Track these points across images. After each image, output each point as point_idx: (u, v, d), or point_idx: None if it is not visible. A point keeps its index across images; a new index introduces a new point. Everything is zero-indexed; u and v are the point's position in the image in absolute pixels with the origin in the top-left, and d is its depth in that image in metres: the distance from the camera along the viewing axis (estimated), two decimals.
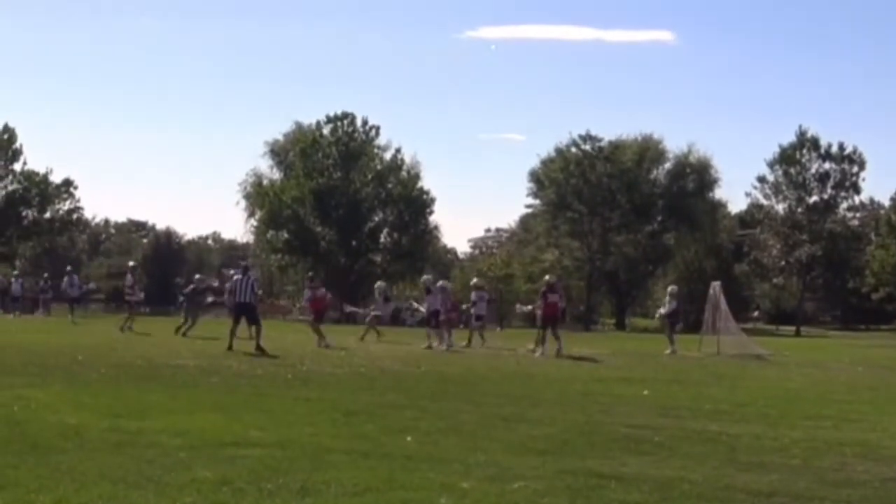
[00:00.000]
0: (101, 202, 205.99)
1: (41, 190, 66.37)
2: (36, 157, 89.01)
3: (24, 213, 66.75)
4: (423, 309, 24.73)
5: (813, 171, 69.30)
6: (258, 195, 64.52)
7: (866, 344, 38.30)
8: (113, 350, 18.46)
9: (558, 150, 69.57)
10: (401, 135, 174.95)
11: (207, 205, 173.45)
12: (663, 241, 70.55)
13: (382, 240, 66.03)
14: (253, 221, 66.45)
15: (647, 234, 69.68)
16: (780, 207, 71.03)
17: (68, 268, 37.39)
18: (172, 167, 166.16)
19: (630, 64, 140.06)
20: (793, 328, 65.73)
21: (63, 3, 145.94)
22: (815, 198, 69.66)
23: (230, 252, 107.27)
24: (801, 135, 69.30)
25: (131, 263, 33.28)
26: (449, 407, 11.34)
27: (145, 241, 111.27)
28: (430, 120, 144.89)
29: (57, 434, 8.39)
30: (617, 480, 7.08)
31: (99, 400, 10.89)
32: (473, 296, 26.67)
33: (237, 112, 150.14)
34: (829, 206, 69.70)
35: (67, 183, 67.82)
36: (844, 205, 71.36)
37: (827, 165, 69.21)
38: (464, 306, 27.32)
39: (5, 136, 65.65)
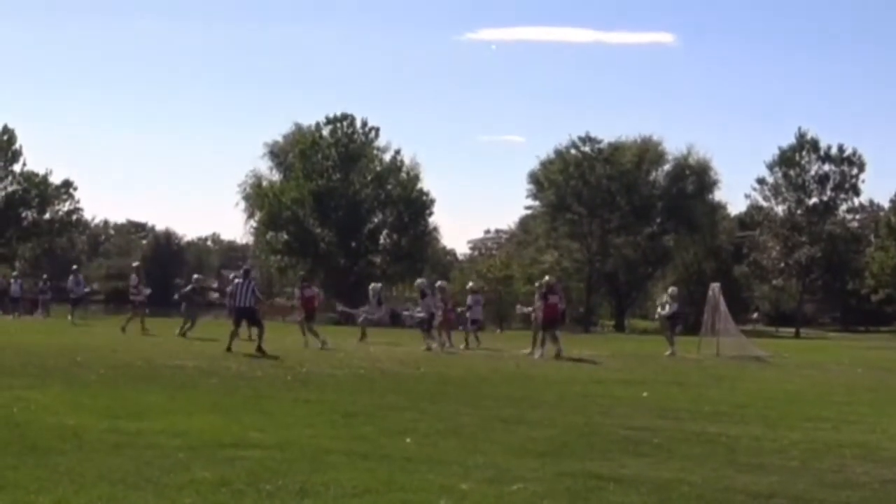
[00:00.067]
0: (100, 203, 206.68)
1: (41, 191, 66.43)
2: (36, 159, 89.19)
3: (23, 214, 66.81)
4: (417, 315, 24.52)
5: (812, 172, 69.29)
6: (258, 196, 64.52)
7: (865, 346, 38.27)
8: (112, 351, 18.44)
9: (558, 152, 69.58)
10: (400, 136, 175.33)
11: (207, 206, 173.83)
12: (663, 242, 70.52)
13: (382, 241, 66.01)
14: (252, 223, 66.55)
15: (646, 236, 69.65)
16: (780, 209, 71.06)
17: (74, 267, 37.55)
18: (172, 168, 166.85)
19: (630, 66, 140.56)
20: (792, 330, 65.73)
21: (63, 5, 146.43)
22: (814, 200, 69.66)
23: (229, 253, 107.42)
24: (801, 137, 69.33)
25: (136, 264, 33.29)
26: (448, 409, 11.34)
27: (145, 242, 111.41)
28: (430, 121, 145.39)
29: (56, 435, 8.38)
30: (616, 482, 7.09)
31: (98, 401, 10.88)
32: (469, 300, 26.68)
33: (237, 113, 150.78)
34: (828, 208, 69.70)
35: (67, 184, 67.92)
36: (844, 206, 71.45)
37: (826, 167, 69.23)
38: (458, 309, 27.34)
39: (5, 137, 65.69)
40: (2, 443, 7.97)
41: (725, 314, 25.20)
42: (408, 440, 8.82)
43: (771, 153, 71.08)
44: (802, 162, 69.38)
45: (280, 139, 67.10)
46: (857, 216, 75.94)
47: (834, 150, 68.97)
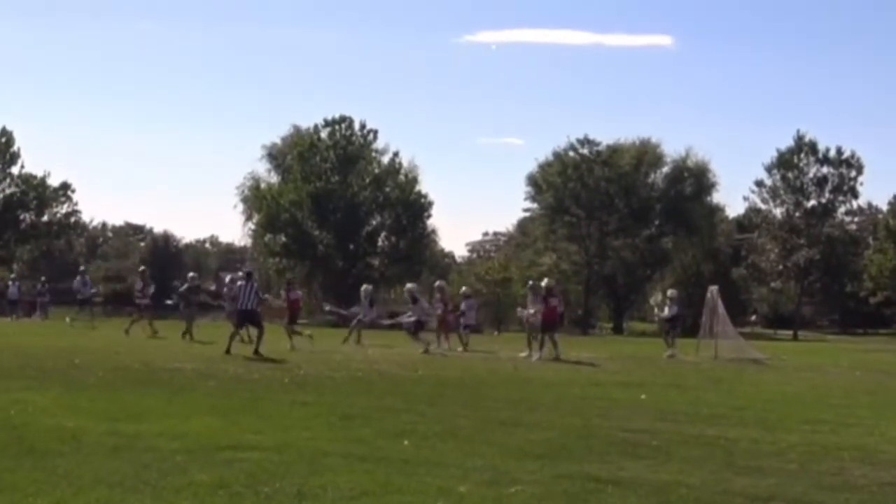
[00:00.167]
0: (98, 205, 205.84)
1: (39, 193, 66.34)
2: (34, 161, 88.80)
3: (21, 217, 66.72)
4: (408, 320, 24.42)
5: (811, 175, 69.28)
6: (256, 199, 64.47)
7: (864, 348, 38.27)
8: (112, 354, 18.43)
9: (556, 155, 69.53)
10: (399, 139, 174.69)
11: (205, 208, 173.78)
12: (661, 245, 70.50)
13: (380, 243, 65.93)
14: (251, 225, 66.43)
15: (644, 238, 69.62)
16: (778, 212, 71.00)
17: (81, 268, 37.59)
18: (170, 170, 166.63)
19: (629, 68, 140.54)
20: (790, 332, 65.66)
21: (63, 6, 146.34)
22: (812, 202, 69.62)
23: (228, 255, 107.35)
24: (799, 139, 69.32)
25: (141, 268, 33.42)
26: (446, 411, 11.34)
27: (143, 244, 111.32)
28: (429, 124, 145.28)
29: (54, 438, 8.38)
30: (614, 485, 7.09)
31: (96, 404, 10.88)
32: (463, 305, 26.68)
33: (235, 115, 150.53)
34: (826, 211, 69.66)
35: (65, 186, 67.82)
36: (842, 209, 71.31)
37: (825, 170, 69.16)
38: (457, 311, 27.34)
39: (3, 139, 65.59)
40: (0, 445, 7.96)
41: (724, 316, 25.19)
42: (405, 442, 8.81)
43: (769, 155, 71.19)
44: (801, 164, 69.36)
45: (278, 141, 67.09)
46: (856, 219, 75.96)
47: (832, 153, 68.95)
